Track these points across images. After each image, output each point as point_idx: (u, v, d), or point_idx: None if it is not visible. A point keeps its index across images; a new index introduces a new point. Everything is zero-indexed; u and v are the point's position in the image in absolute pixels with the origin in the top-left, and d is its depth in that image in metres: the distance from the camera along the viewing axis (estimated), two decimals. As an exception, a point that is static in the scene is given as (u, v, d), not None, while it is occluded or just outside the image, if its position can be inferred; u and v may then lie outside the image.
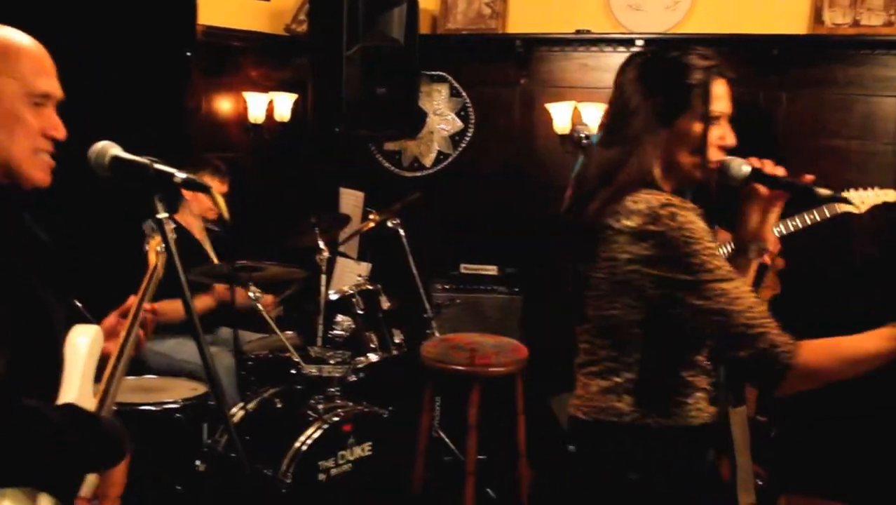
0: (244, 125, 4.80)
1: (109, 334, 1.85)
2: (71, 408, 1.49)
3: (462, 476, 3.52)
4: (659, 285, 1.63)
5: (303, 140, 4.91)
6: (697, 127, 1.73)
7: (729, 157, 1.82)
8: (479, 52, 4.84)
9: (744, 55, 4.21)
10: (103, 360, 1.71)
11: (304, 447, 3.15)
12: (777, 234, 3.28)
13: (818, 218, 3.35)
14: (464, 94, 4.86)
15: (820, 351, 1.59)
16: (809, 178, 1.80)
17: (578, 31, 4.57)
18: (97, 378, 1.69)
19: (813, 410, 4.03)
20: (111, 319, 1.91)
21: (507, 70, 4.77)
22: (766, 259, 2.89)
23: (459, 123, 4.88)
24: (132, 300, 1.87)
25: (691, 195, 1.86)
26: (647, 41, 4.43)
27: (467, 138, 4.87)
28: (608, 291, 1.71)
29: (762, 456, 4.12)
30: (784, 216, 3.30)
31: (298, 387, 3.51)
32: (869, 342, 1.60)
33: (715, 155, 1.77)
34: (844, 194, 3.36)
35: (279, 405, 3.45)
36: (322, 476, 3.21)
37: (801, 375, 1.57)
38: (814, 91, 4.35)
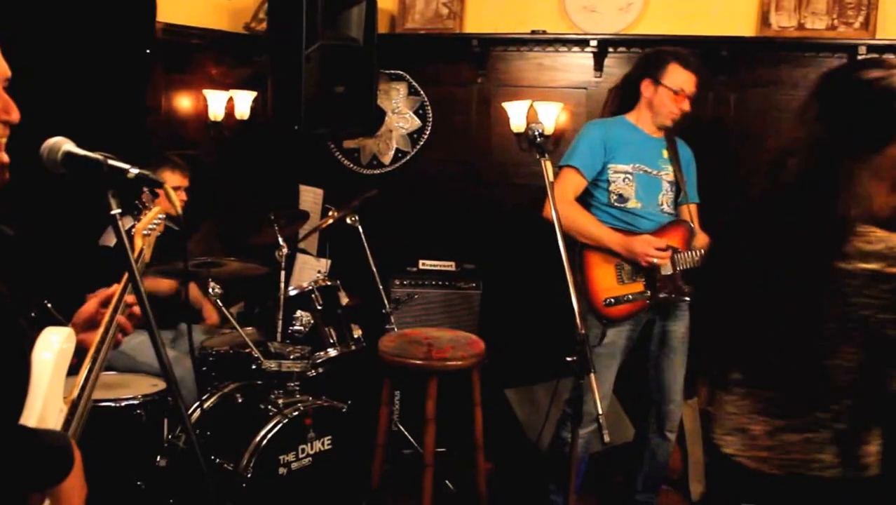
0: (204, 122, 4.80)
1: (88, 323, 1.82)
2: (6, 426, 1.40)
3: (421, 468, 3.56)
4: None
5: (262, 138, 4.92)
6: None
7: None
8: (437, 52, 4.89)
9: (694, 56, 4.31)
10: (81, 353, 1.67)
11: (265, 441, 3.19)
12: None
13: None
14: (422, 92, 4.91)
15: None
16: None
17: (534, 32, 4.63)
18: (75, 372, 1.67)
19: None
20: (90, 305, 1.85)
21: (464, 69, 4.83)
22: None
23: (417, 122, 4.93)
24: (115, 288, 1.83)
25: None
26: (601, 42, 4.51)
27: (425, 136, 4.92)
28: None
29: (713, 446, 4.23)
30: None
31: (259, 382, 3.56)
32: None
33: None
34: None
35: (240, 400, 3.48)
36: (283, 470, 3.25)
37: None
38: (761, 91, 4.46)
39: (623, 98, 3.58)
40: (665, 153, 3.55)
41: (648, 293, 3.43)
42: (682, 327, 3.58)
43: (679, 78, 3.42)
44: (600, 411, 2.57)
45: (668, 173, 3.53)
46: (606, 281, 3.48)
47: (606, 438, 2.56)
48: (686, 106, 3.45)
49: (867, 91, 1.58)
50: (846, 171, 1.56)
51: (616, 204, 3.51)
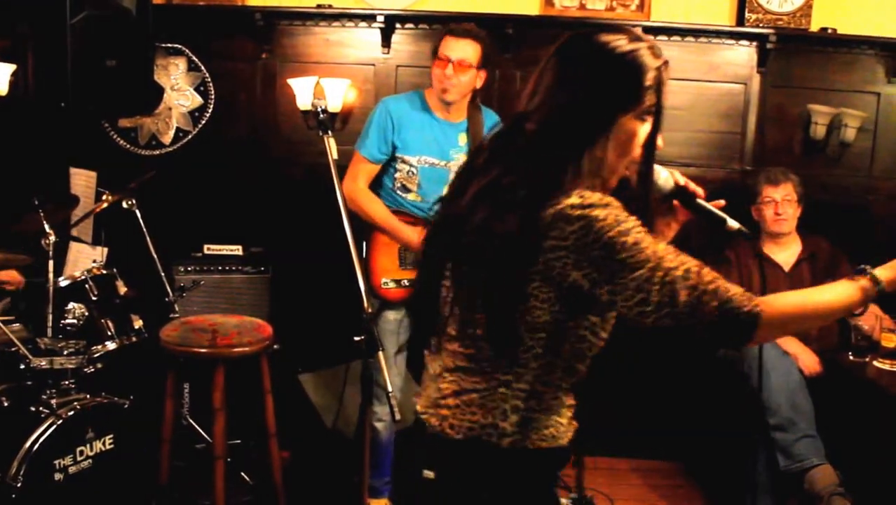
0: (-45, 99, 4.35)
1: None
2: None
3: (213, 462, 3.43)
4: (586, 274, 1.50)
5: (25, 115, 4.53)
6: (641, 124, 1.62)
7: (655, 166, 1.73)
8: (219, 25, 4.67)
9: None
10: None
11: (36, 446, 2.97)
12: None
13: None
14: (203, 68, 4.67)
15: (785, 300, 1.54)
16: (721, 203, 1.81)
17: (320, 6, 4.52)
18: None
19: (605, 378, 4.30)
20: None
21: (247, 44, 4.64)
22: None
23: (199, 99, 4.70)
24: None
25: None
26: (388, 17, 4.47)
27: (207, 114, 4.69)
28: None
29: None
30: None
31: (28, 383, 3.29)
32: (836, 291, 1.57)
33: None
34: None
35: (6, 403, 3.21)
36: (59, 476, 3.05)
37: (770, 323, 1.48)
38: (545, 69, 4.57)
39: None
40: (463, 138, 3.55)
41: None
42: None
43: (446, 46, 3.44)
44: (390, 389, 2.61)
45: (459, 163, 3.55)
46: (388, 262, 3.55)
47: (397, 416, 2.61)
48: (450, 72, 3.39)
49: (609, 58, 1.60)
50: (582, 135, 1.58)
51: (399, 192, 3.58)
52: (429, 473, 1.70)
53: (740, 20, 4.48)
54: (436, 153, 3.52)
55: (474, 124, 3.55)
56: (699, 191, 1.81)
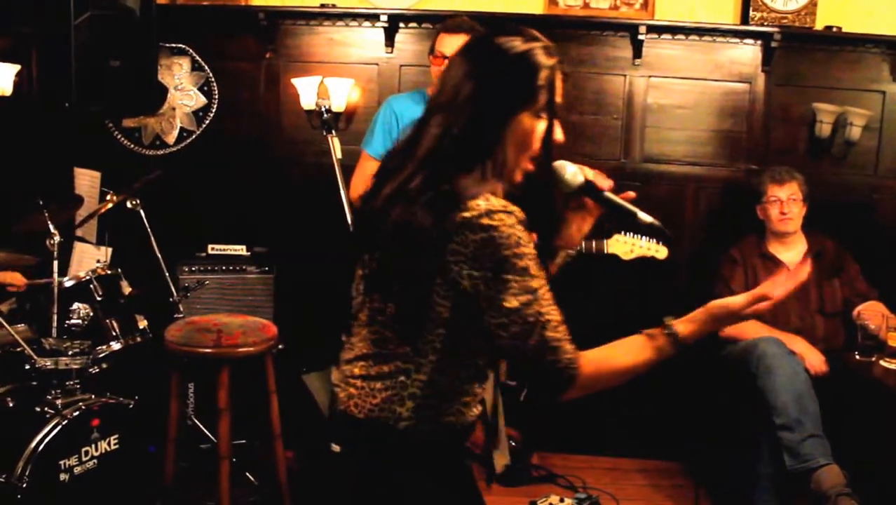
0: (-42, 99, 4.35)
1: None
2: None
3: (218, 462, 3.42)
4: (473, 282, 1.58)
5: (29, 116, 4.52)
6: (538, 123, 1.69)
7: (562, 162, 1.80)
8: (222, 25, 4.66)
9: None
10: None
11: (41, 446, 2.97)
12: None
13: (594, 251, 3.53)
14: (206, 68, 4.67)
15: (598, 365, 1.63)
16: (631, 195, 1.82)
17: (323, 6, 4.52)
18: None
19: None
20: None
21: (251, 44, 4.64)
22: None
23: (203, 99, 4.69)
24: None
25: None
26: (391, 17, 4.46)
27: (211, 114, 4.69)
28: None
29: (514, 419, 4.34)
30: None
31: (33, 383, 3.29)
32: (638, 352, 1.67)
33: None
34: (618, 238, 3.56)
35: (11, 404, 3.20)
36: (64, 476, 3.05)
37: (582, 386, 1.60)
38: (549, 68, 4.56)
39: None
40: None
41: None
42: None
43: (442, 43, 3.45)
44: None
45: None
46: None
47: None
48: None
49: (503, 59, 1.67)
50: (481, 136, 1.64)
51: None
52: (335, 447, 1.81)
53: (745, 19, 4.46)
54: None
55: None
56: (607, 184, 1.84)
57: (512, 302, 1.55)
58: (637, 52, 4.49)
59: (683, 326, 1.68)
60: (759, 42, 4.48)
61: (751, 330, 3.74)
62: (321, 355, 4.36)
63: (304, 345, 4.16)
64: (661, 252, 3.59)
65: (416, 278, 1.62)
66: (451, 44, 3.41)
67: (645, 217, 1.79)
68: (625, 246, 3.55)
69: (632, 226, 1.80)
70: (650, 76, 4.54)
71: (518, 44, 1.67)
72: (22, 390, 3.27)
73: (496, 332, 1.58)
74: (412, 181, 1.63)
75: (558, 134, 1.73)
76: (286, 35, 4.64)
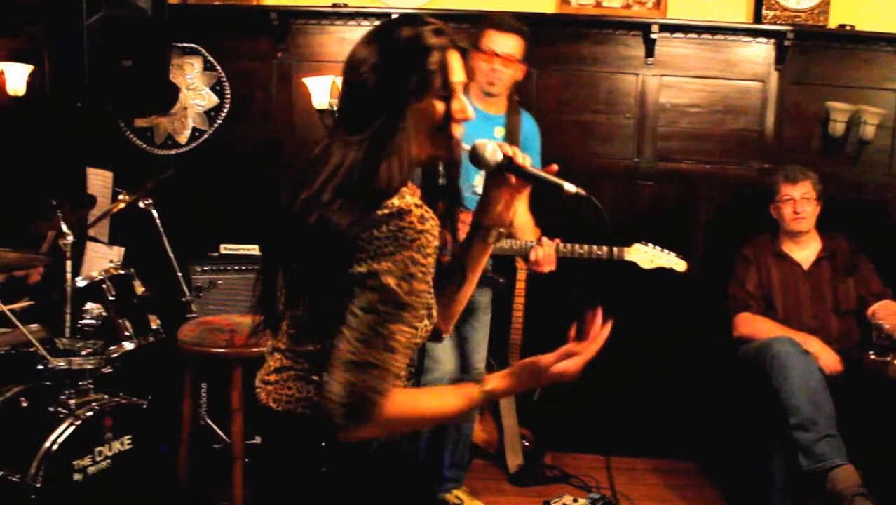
0: (-27, 99, 4.37)
1: None
2: None
3: (231, 462, 3.42)
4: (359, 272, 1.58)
5: (42, 115, 4.53)
6: (439, 105, 1.70)
7: (481, 141, 1.80)
8: (234, 24, 4.66)
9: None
10: None
11: (55, 447, 2.98)
12: (559, 251, 3.41)
13: (603, 257, 3.51)
14: (218, 67, 4.67)
15: (405, 406, 1.63)
16: (554, 168, 1.80)
17: (335, 5, 4.51)
18: None
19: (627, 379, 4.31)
20: None
21: (263, 43, 4.64)
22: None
23: (215, 99, 4.69)
24: None
25: (420, 178, 1.85)
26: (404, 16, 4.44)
27: (223, 114, 4.69)
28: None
29: (527, 419, 4.33)
30: (579, 240, 3.46)
31: (47, 383, 3.29)
32: (447, 399, 1.70)
33: (457, 130, 1.75)
34: (639, 247, 3.53)
35: (24, 404, 3.21)
36: (77, 476, 3.06)
37: (381, 424, 1.60)
38: (562, 68, 4.56)
39: None
40: (499, 131, 3.55)
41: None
42: (486, 298, 3.64)
43: (491, 40, 3.43)
44: None
45: None
46: None
47: None
48: (499, 66, 3.44)
49: (392, 47, 1.66)
50: (381, 129, 1.63)
51: None
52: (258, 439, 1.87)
53: (757, 17, 4.44)
54: (469, 142, 3.49)
55: (512, 122, 3.56)
56: (527, 161, 1.82)
57: (376, 304, 1.55)
58: (649, 51, 4.48)
59: (496, 381, 1.71)
60: (772, 41, 4.46)
61: (765, 330, 3.73)
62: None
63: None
64: (679, 265, 3.57)
65: (331, 276, 1.60)
66: (504, 42, 3.42)
67: (570, 188, 1.75)
68: (645, 256, 3.52)
69: (561, 198, 1.77)
70: (663, 75, 4.53)
71: (405, 31, 1.66)
72: (35, 390, 3.27)
73: (340, 322, 1.58)
74: (327, 186, 1.62)
75: (469, 112, 1.74)
76: (298, 34, 4.64)
